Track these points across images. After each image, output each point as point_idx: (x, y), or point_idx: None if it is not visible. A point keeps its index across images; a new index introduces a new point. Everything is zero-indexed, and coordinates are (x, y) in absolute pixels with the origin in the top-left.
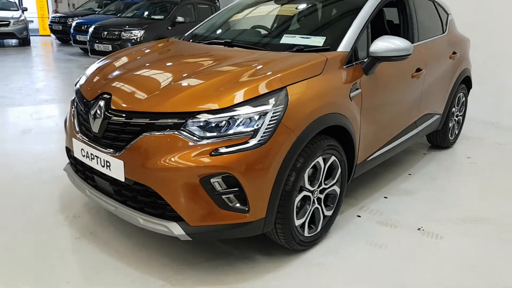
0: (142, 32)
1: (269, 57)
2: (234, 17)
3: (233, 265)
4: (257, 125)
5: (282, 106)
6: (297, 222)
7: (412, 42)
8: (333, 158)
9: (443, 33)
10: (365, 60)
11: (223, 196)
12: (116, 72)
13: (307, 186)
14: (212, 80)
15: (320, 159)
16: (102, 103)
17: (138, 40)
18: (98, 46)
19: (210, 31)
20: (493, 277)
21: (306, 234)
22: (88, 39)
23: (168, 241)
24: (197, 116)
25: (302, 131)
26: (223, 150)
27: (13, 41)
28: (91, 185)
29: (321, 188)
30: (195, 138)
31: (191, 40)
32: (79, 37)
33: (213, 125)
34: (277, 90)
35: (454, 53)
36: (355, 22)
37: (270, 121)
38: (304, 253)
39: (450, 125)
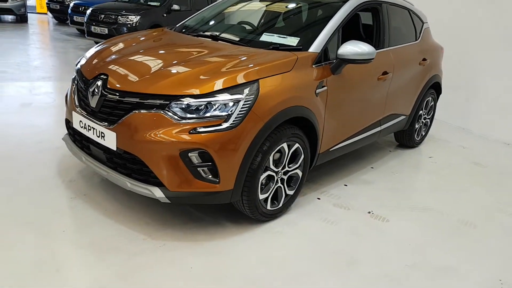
0: (138, 17)
1: (249, 52)
2: (223, 12)
3: (204, 228)
4: (231, 111)
5: (254, 96)
6: (261, 197)
7: (382, 47)
8: (297, 145)
9: (416, 40)
10: (334, 61)
11: (198, 168)
12: (113, 56)
13: (272, 167)
14: (196, 69)
15: (285, 145)
16: (99, 82)
17: (134, 25)
18: (95, 29)
19: (200, 24)
20: (424, 254)
21: (269, 207)
22: (85, 21)
23: (151, 205)
24: (181, 99)
25: (269, 119)
26: (200, 129)
27: (10, 17)
28: (87, 153)
29: (284, 170)
30: (177, 117)
31: (183, 31)
32: (76, 18)
33: (193, 108)
34: (251, 81)
35: (424, 59)
36: (327, 27)
37: (242, 108)
38: (267, 223)
39: (417, 126)
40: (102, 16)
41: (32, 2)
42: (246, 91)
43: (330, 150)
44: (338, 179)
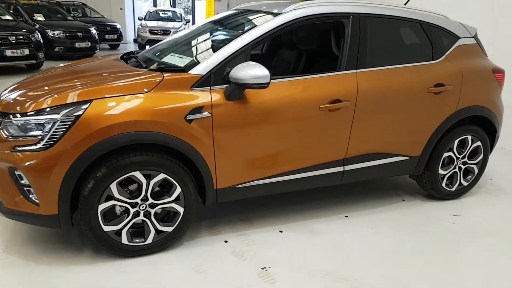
0: None
1: (114, 72)
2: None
3: (58, 251)
4: (46, 131)
5: (74, 116)
6: (107, 228)
7: (344, 69)
8: (162, 175)
9: (433, 60)
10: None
11: (25, 188)
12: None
13: (118, 196)
14: (38, 90)
15: (137, 174)
16: None
17: None
18: None
19: (152, 50)
20: None
21: (126, 242)
22: None
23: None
24: (9, 117)
25: (97, 143)
26: (18, 148)
27: None
28: None
29: (149, 202)
30: (6, 134)
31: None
32: None
33: (15, 125)
34: (76, 102)
35: (438, 85)
36: (226, 47)
37: (57, 129)
38: (125, 260)
39: (444, 172)
40: None
41: None
42: (64, 111)
43: (239, 186)
44: (280, 223)
